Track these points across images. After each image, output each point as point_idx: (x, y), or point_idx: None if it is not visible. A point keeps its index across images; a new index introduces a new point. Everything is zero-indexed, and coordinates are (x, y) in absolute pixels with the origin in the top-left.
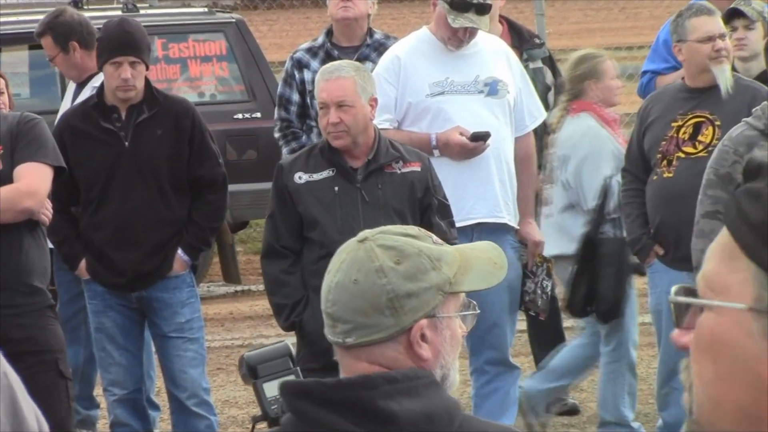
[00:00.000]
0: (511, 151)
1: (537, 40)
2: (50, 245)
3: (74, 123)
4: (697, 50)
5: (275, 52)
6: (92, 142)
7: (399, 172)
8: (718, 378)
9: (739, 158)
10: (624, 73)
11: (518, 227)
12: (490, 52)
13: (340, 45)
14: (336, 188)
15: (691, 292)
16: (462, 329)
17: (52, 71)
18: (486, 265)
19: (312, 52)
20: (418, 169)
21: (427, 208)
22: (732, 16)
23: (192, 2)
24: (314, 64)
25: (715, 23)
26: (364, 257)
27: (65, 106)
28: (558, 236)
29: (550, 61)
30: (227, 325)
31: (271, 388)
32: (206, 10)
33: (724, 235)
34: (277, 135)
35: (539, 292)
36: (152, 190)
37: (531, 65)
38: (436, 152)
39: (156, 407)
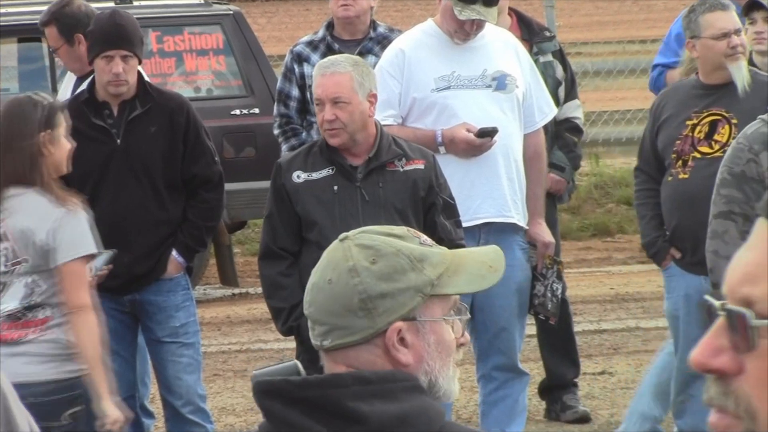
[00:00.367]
0: (519, 149)
1: (547, 33)
2: None
3: None
4: (711, 47)
5: (274, 46)
6: (83, 140)
7: (401, 169)
8: None
9: (755, 156)
10: (637, 68)
11: (527, 227)
12: (499, 45)
13: (341, 38)
14: (335, 187)
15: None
16: (452, 335)
17: (42, 65)
18: (478, 268)
19: (312, 45)
20: (422, 166)
21: (431, 207)
22: (751, 7)
23: None
24: (315, 57)
25: (730, 18)
26: (339, 257)
27: (63, 98)
28: None
29: (561, 55)
30: (224, 330)
31: None
32: (202, 1)
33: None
34: (276, 132)
35: (549, 294)
36: (145, 189)
37: (541, 59)
38: (441, 149)
39: (150, 415)
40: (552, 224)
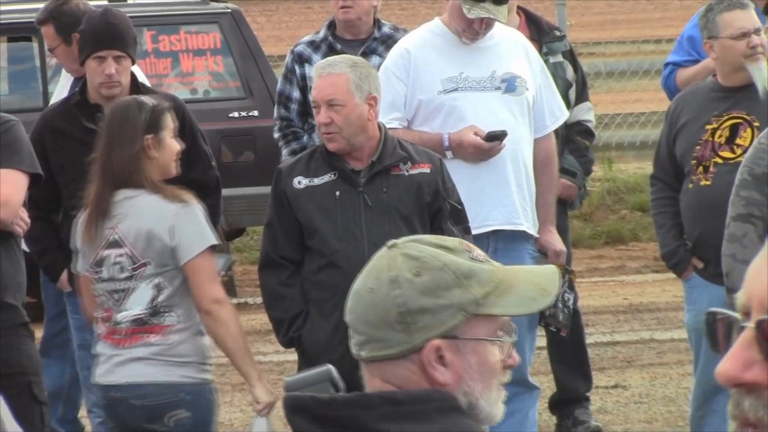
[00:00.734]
0: (529, 153)
1: (557, 33)
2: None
3: (55, 123)
4: (730, 47)
5: (274, 45)
6: (75, 144)
7: (406, 173)
8: None
9: None
10: (651, 69)
11: (538, 235)
12: (508, 45)
13: (343, 38)
14: (337, 193)
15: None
16: (497, 356)
17: (32, 66)
18: (531, 289)
19: (314, 45)
20: (428, 170)
21: (438, 212)
22: None
23: None
24: (316, 58)
25: (749, 17)
26: (383, 265)
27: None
28: None
29: (571, 55)
30: None
31: None
32: None
33: None
34: (276, 135)
35: (560, 305)
36: None
37: (551, 59)
38: (449, 153)
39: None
40: (563, 232)
